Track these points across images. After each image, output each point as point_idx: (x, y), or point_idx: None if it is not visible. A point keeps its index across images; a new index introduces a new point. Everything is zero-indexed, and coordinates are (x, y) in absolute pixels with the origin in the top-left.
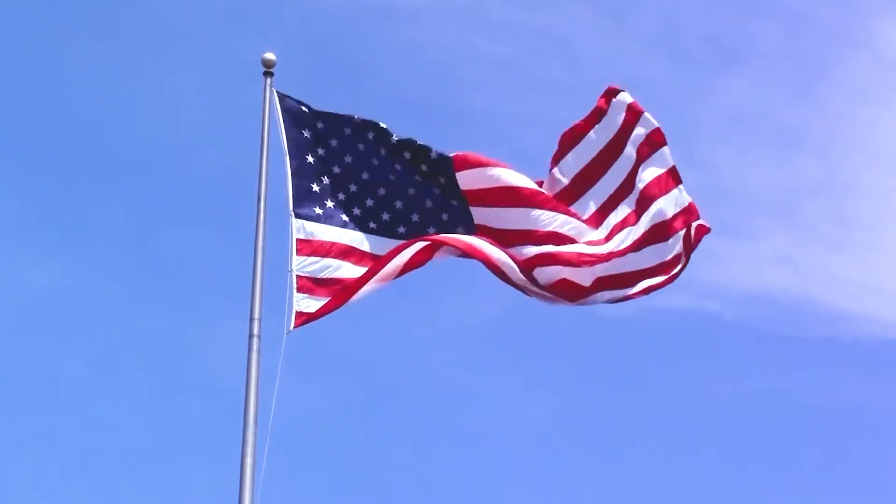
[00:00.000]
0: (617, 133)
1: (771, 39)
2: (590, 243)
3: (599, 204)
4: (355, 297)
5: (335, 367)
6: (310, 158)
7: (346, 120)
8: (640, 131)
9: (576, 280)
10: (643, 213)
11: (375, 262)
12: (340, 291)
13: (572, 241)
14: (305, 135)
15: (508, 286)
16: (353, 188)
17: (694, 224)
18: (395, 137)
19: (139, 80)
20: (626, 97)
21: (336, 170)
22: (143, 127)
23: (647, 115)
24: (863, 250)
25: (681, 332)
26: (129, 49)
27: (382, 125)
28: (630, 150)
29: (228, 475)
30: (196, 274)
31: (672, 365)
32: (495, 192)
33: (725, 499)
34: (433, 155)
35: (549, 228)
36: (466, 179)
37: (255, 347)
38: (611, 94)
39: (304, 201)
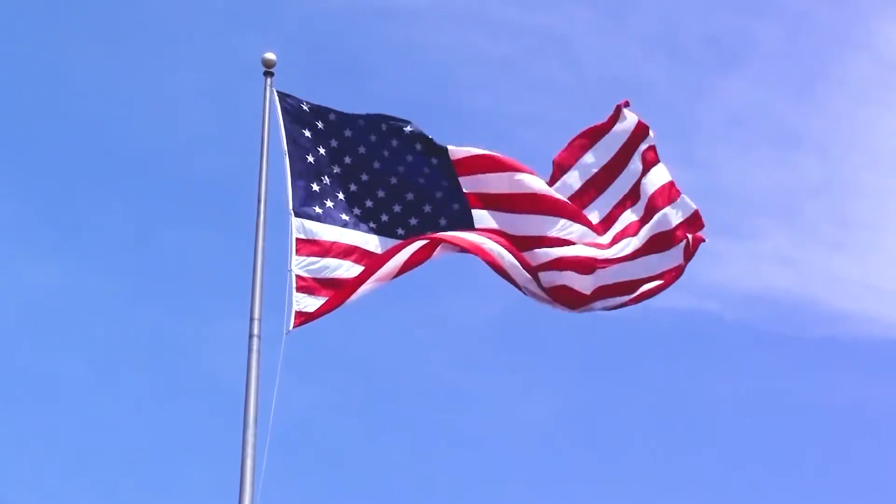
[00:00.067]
0: (624, 144)
1: (771, 39)
2: (595, 246)
3: (605, 213)
4: (355, 297)
5: (335, 367)
6: (310, 158)
7: (349, 120)
8: (644, 146)
9: (577, 288)
10: (646, 223)
11: (374, 261)
12: (340, 291)
13: (582, 245)
14: (306, 134)
15: (508, 286)
16: (353, 188)
17: (694, 234)
18: (408, 129)
19: (139, 80)
20: (632, 114)
21: (336, 169)
22: (143, 127)
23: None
24: (863, 250)
25: (681, 332)
26: (129, 49)
27: (395, 119)
28: (636, 161)
29: (228, 475)
30: (196, 274)
31: (672, 365)
32: (501, 197)
33: (725, 499)
34: (440, 149)
35: (558, 234)
36: (470, 183)
37: (255, 347)
38: (620, 109)
39: (303, 201)
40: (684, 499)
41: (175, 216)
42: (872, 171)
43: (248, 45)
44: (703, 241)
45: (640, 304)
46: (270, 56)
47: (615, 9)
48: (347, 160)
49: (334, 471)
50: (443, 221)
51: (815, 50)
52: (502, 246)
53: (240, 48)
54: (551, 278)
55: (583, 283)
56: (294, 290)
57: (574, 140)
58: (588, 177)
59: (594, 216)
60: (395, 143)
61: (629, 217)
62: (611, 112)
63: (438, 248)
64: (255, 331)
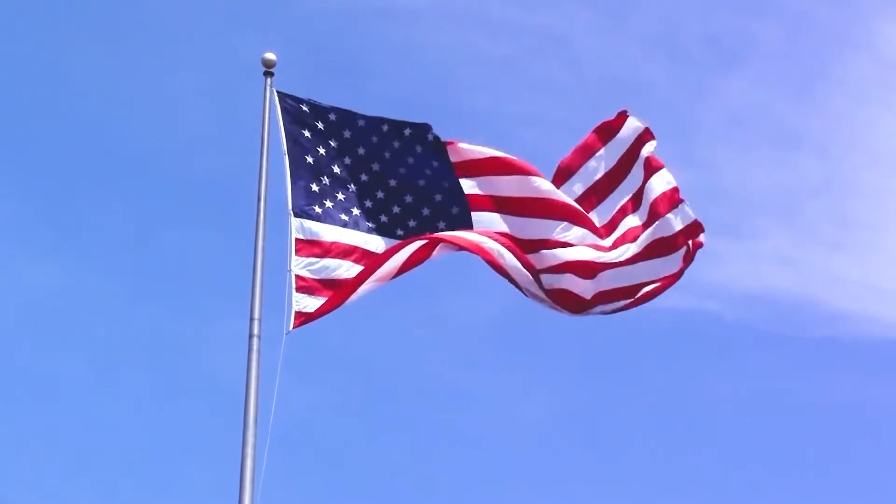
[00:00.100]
0: (628, 150)
1: (771, 39)
2: (598, 248)
3: (608, 218)
4: (354, 297)
5: (335, 367)
6: (309, 158)
7: (349, 120)
8: (647, 150)
9: (577, 292)
10: (647, 228)
11: (374, 261)
12: (340, 291)
13: (585, 247)
14: (306, 134)
15: (507, 286)
16: (352, 188)
17: (693, 240)
18: (407, 131)
19: (139, 80)
20: (636, 122)
21: (336, 170)
22: (143, 127)
23: (651, 143)
24: (863, 250)
25: (681, 332)
26: (129, 49)
27: (396, 121)
28: (640, 166)
29: (228, 475)
30: (196, 274)
31: (672, 365)
32: (511, 200)
33: (725, 499)
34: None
35: (563, 237)
36: (480, 184)
37: (255, 347)
38: (622, 117)
39: (303, 201)
40: (684, 499)
41: (175, 216)
42: (872, 171)
43: (248, 45)
44: (702, 245)
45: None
46: (270, 56)
47: (615, 9)
48: (347, 161)
49: (334, 471)
50: (441, 225)
51: (815, 50)
52: (504, 246)
53: (240, 48)
54: (553, 281)
55: (584, 288)
56: (294, 291)
57: (579, 145)
58: (591, 182)
59: (597, 220)
60: (396, 144)
61: (630, 222)
62: (611, 113)
63: (438, 247)
64: (255, 331)
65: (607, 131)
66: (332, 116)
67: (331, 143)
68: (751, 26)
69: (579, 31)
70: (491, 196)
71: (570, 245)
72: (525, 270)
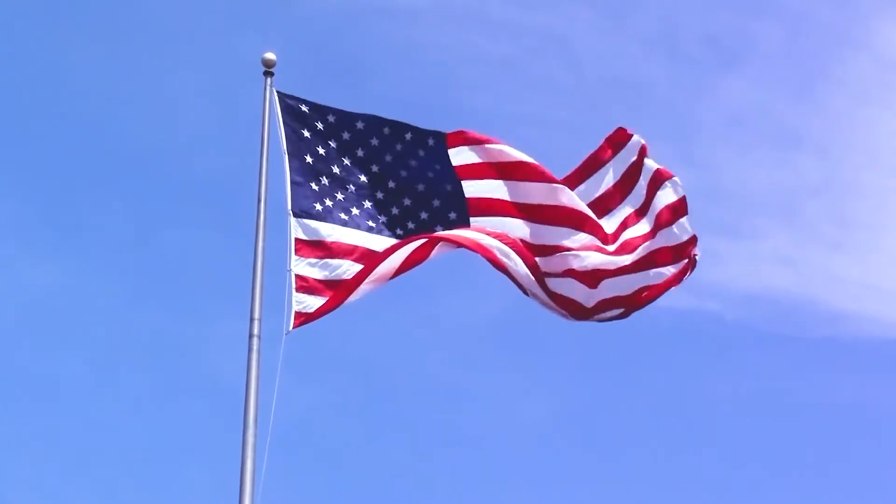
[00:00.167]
0: (632, 164)
1: (771, 39)
2: (603, 252)
3: (613, 228)
4: (354, 297)
5: (335, 367)
6: (309, 158)
7: (348, 122)
8: (650, 164)
9: (580, 300)
10: (649, 239)
11: (373, 261)
12: (339, 291)
13: (591, 252)
14: (305, 134)
15: (507, 285)
16: (352, 189)
17: (691, 254)
18: (409, 135)
19: (139, 80)
20: (638, 139)
21: (336, 170)
22: (143, 127)
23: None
24: (863, 250)
25: (681, 332)
26: (129, 49)
27: (397, 123)
28: (643, 181)
29: (228, 475)
30: (196, 274)
31: (672, 365)
32: (530, 207)
33: (725, 499)
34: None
35: (574, 244)
36: (471, 189)
37: (255, 347)
38: (623, 136)
39: (303, 201)
40: (684, 499)
41: (175, 216)
42: (872, 171)
43: (248, 45)
44: (695, 263)
45: None
46: (270, 56)
47: (615, 9)
48: (346, 161)
49: (334, 471)
50: (438, 229)
51: (815, 50)
52: (509, 246)
53: (240, 48)
54: (558, 286)
55: (586, 296)
56: (294, 291)
57: (584, 160)
58: (594, 196)
59: (606, 228)
60: (399, 147)
61: (632, 233)
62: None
63: (437, 246)
64: (255, 331)
65: (614, 146)
66: (331, 118)
67: (330, 143)
68: (751, 26)
69: (579, 31)
70: (514, 202)
71: (581, 252)
72: (529, 272)
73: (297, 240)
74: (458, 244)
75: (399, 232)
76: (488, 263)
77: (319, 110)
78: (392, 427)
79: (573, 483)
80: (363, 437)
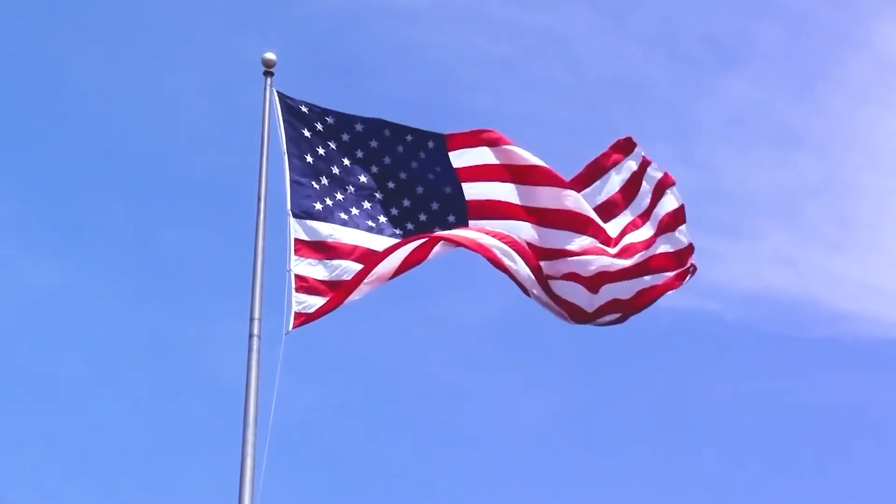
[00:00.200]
0: (633, 174)
1: (771, 39)
2: (606, 255)
3: (616, 232)
4: (354, 297)
5: (335, 367)
6: (309, 158)
7: (347, 123)
8: (653, 173)
9: (581, 305)
10: (648, 246)
11: (373, 260)
12: (339, 291)
13: (596, 256)
14: (305, 135)
15: (507, 285)
16: (351, 189)
17: (690, 262)
18: (409, 137)
19: (139, 80)
20: (640, 151)
21: (336, 170)
22: (143, 127)
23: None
24: (863, 250)
25: (681, 332)
26: (129, 49)
27: (397, 125)
28: (647, 185)
29: (228, 475)
30: (196, 274)
31: (672, 365)
32: (540, 210)
33: (725, 499)
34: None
35: (579, 247)
36: (474, 191)
37: (255, 347)
38: (630, 145)
39: (302, 201)
40: (684, 499)
41: (175, 216)
42: (872, 171)
43: (248, 45)
44: (692, 271)
45: None
46: (270, 56)
47: (615, 9)
48: (346, 162)
49: (334, 471)
50: (436, 231)
51: (815, 50)
52: (511, 247)
53: (240, 48)
54: (561, 289)
55: (589, 301)
56: (294, 291)
57: (581, 172)
58: (599, 201)
59: (610, 233)
60: (400, 148)
61: (634, 237)
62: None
63: (437, 246)
64: (255, 331)
65: (620, 152)
66: (331, 119)
67: (330, 144)
68: (751, 26)
69: (579, 31)
70: (521, 205)
71: (584, 255)
72: (531, 273)
73: (296, 240)
74: (457, 243)
75: (398, 232)
76: (488, 263)
77: (318, 112)
78: (392, 427)
79: (573, 483)
80: (363, 437)
